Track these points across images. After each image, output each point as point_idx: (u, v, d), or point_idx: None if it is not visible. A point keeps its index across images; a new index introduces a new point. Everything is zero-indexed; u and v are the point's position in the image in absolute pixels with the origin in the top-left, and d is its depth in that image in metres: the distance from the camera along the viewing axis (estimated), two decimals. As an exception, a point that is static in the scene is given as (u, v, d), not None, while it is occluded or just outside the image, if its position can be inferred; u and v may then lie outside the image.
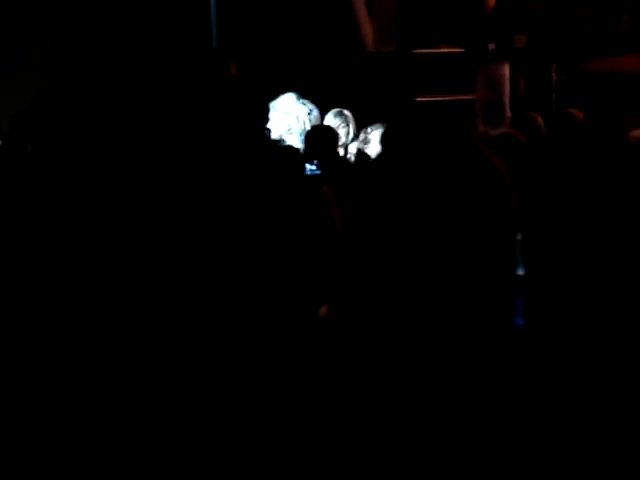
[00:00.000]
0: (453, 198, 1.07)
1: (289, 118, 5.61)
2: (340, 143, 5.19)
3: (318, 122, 5.37)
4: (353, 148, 5.29)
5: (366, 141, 5.05)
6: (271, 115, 5.40)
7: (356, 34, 9.28)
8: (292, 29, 8.88)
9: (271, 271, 2.01)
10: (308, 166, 4.71)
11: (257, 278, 2.01)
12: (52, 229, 2.71)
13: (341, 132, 5.20)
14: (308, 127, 5.21)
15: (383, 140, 4.61)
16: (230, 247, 2.20)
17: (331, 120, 5.39)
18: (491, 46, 8.24)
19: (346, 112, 5.46)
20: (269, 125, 5.26)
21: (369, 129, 5.12)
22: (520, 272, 1.61)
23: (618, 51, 8.53)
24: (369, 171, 1.16)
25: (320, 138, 4.84)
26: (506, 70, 8.38)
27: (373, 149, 5.02)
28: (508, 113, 7.97)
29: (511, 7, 8.58)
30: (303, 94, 5.95)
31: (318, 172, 4.76)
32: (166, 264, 2.46)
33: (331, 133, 4.91)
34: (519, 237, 1.56)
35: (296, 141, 5.15)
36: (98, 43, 8.41)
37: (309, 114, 5.57)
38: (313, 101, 5.80)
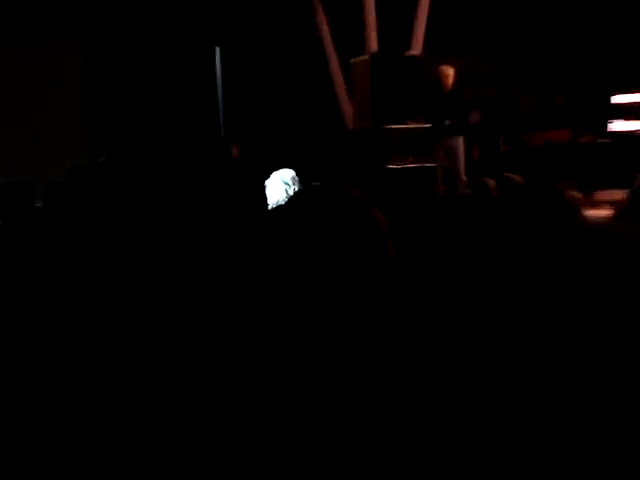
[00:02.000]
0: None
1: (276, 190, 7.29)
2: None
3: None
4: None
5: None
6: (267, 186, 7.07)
7: (338, 114, 10.27)
8: (287, 112, 10.12)
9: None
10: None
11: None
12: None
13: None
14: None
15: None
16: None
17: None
18: (447, 122, 8.89)
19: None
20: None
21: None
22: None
23: (553, 126, 9.14)
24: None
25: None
26: (459, 142, 8.90)
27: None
28: (464, 178, 8.43)
29: (464, 90, 9.12)
30: (297, 163, 7.40)
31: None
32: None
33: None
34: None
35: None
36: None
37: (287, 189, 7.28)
38: (305, 167, 7.25)
